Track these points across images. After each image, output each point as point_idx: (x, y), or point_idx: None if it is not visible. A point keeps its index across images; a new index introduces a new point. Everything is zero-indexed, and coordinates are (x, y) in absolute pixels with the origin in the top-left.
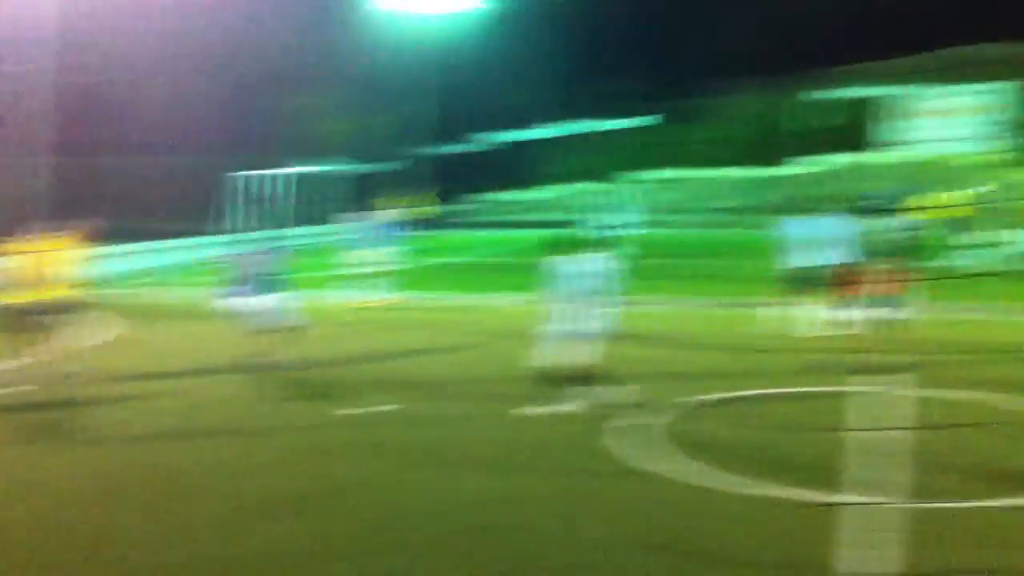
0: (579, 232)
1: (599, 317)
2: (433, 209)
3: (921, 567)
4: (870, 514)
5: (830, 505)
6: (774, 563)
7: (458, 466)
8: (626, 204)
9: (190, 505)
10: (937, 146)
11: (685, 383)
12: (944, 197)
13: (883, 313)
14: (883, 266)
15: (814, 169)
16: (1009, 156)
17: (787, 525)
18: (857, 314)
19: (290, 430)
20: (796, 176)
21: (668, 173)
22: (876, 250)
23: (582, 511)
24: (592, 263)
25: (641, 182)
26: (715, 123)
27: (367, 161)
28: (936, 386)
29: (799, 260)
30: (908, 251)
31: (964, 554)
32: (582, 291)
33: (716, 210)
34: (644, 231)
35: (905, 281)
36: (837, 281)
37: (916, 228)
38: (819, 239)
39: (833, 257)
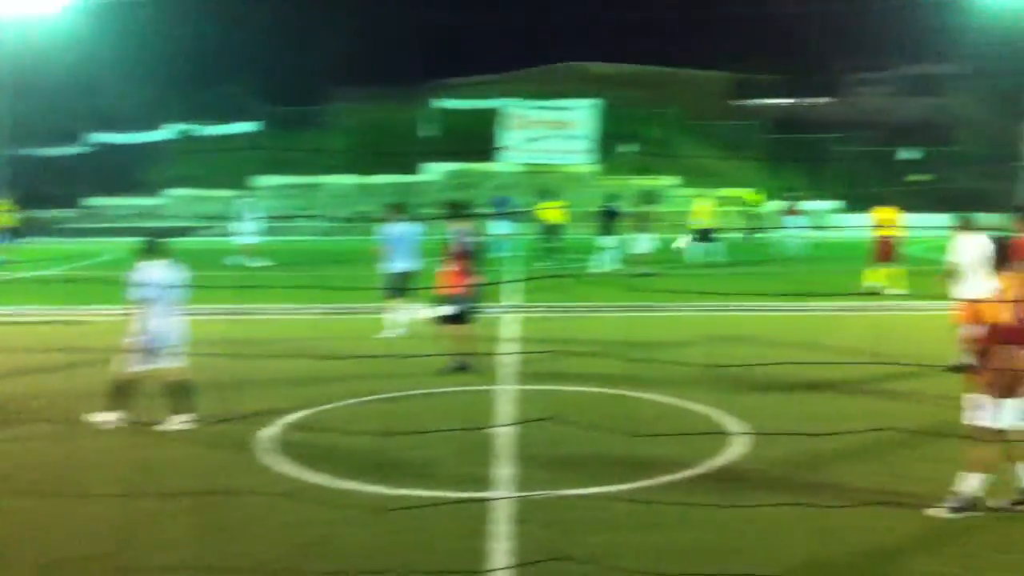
0: (163, 241)
1: (180, 326)
2: (9, 216)
3: (531, 555)
4: (481, 508)
5: (444, 503)
6: (403, 563)
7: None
8: (244, 211)
9: None
10: (547, 156)
11: (298, 391)
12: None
13: (459, 313)
14: (461, 267)
15: (436, 177)
16: (600, 168)
17: (403, 525)
18: (443, 313)
19: None
20: (425, 183)
21: (292, 179)
22: (454, 253)
23: (211, 524)
24: (173, 271)
25: (262, 189)
26: (340, 129)
27: None
28: (535, 382)
29: (395, 265)
30: (477, 254)
31: (574, 540)
32: (165, 300)
33: (340, 217)
34: (261, 239)
35: (478, 283)
36: (431, 283)
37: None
38: (411, 245)
39: (413, 262)
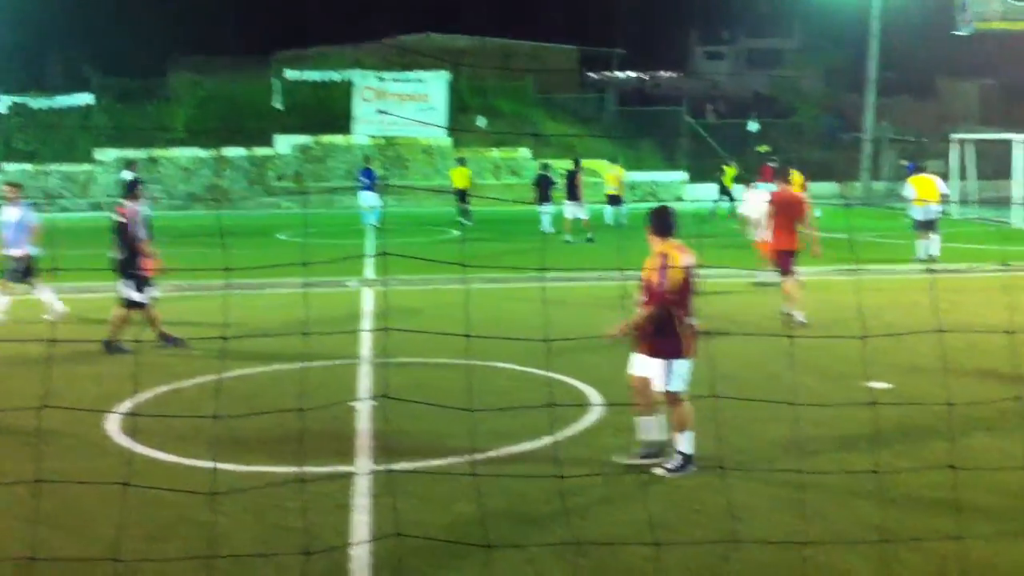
0: None
1: None
2: None
3: (390, 528)
4: (339, 485)
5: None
6: (260, 541)
7: None
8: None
9: None
10: (401, 129)
11: (135, 372)
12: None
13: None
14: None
15: (286, 151)
16: (454, 140)
17: (258, 503)
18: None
19: None
20: (277, 157)
21: (134, 153)
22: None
23: (58, 510)
24: None
25: (103, 163)
26: (184, 102)
27: None
28: (392, 356)
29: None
30: (151, 234)
31: (434, 512)
32: None
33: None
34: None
35: (156, 265)
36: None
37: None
38: (27, 228)
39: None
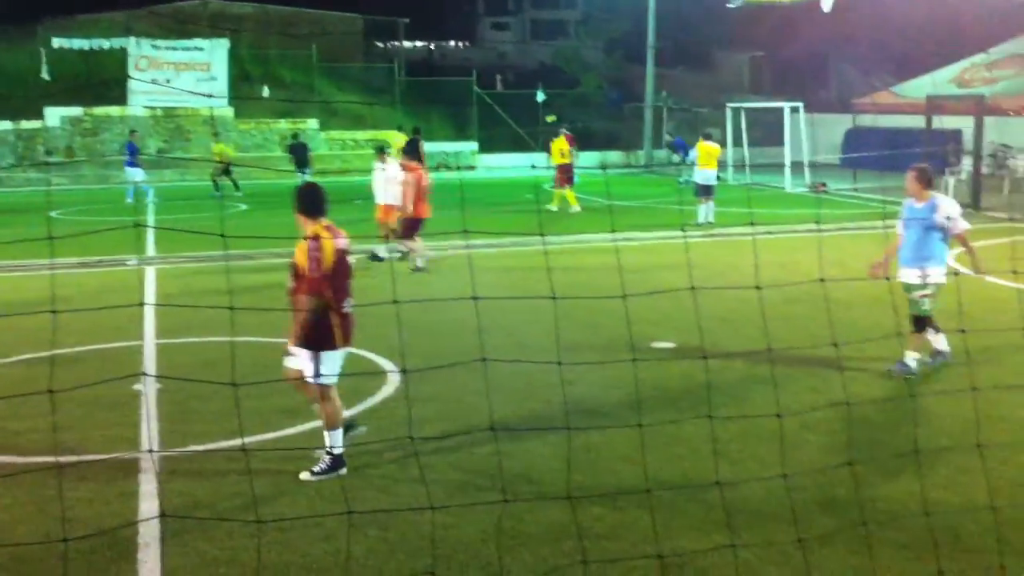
0: None
1: None
2: None
3: (179, 509)
4: (124, 468)
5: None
6: (42, 532)
7: None
8: None
9: None
10: (179, 99)
11: None
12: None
13: None
14: None
15: (55, 123)
16: (235, 110)
17: (42, 494)
18: None
19: None
20: (45, 129)
21: None
22: None
23: None
24: None
25: None
26: None
27: None
28: (174, 335)
29: None
30: None
31: (220, 491)
32: None
33: None
34: None
35: None
36: None
37: None
38: None
39: None
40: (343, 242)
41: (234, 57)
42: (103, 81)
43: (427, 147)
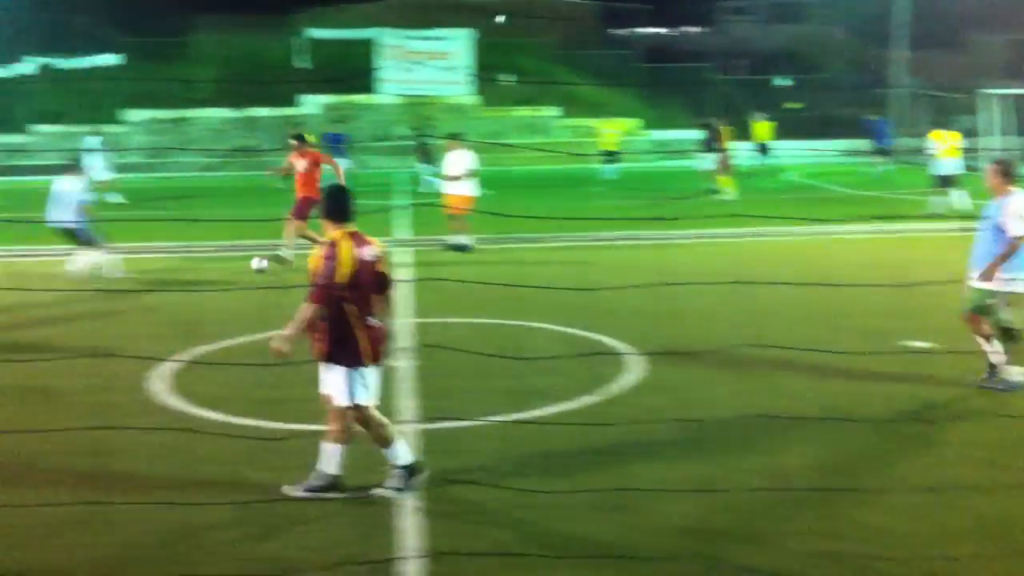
0: None
1: None
2: None
3: (435, 480)
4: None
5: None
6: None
7: None
8: (94, 147)
9: None
10: (426, 88)
11: (189, 332)
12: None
13: None
14: None
15: (314, 110)
16: (480, 99)
17: (306, 460)
18: None
19: None
20: (303, 116)
21: (160, 114)
22: None
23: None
24: None
25: (132, 124)
26: (207, 61)
27: None
28: (424, 315)
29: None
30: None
31: (478, 467)
32: None
33: (218, 152)
34: (123, 176)
35: None
36: None
37: None
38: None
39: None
40: (370, 251)
41: (476, 46)
42: (352, 70)
43: (664, 135)
